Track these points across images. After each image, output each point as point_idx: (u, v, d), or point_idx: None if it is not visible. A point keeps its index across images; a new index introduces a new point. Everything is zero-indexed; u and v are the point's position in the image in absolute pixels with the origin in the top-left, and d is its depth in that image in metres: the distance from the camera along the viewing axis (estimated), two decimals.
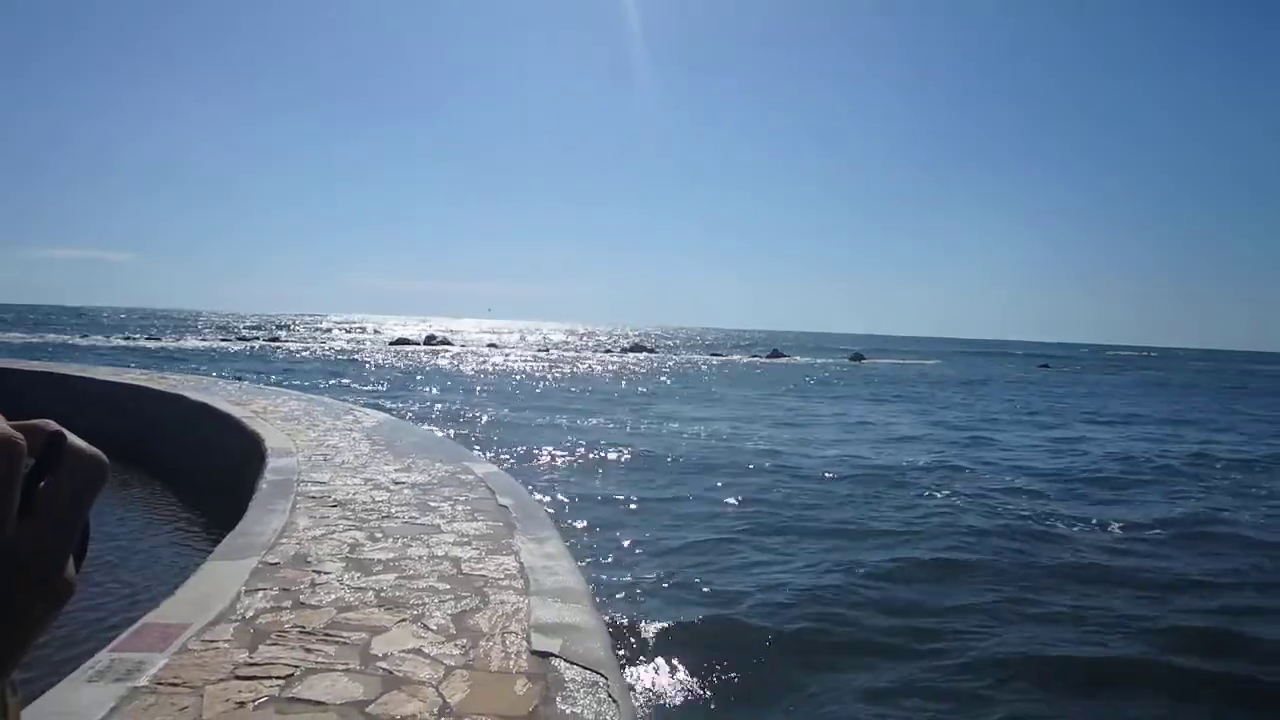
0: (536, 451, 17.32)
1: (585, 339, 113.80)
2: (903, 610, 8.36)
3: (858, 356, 79.20)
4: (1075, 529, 12.05)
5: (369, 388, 32.11)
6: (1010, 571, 9.72)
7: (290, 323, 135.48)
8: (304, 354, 55.06)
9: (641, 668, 6.68)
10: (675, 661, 6.90)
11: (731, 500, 13.17)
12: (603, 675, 4.03)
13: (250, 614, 4.58)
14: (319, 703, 3.59)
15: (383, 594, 5.03)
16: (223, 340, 68.19)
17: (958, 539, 11.04)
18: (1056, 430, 25.26)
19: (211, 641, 4.19)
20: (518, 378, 41.76)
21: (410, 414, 21.89)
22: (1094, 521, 12.43)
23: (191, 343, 62.72)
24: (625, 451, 17.72)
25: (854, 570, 9.48)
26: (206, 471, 12.09)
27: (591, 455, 17.09)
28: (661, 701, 6.24)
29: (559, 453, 17.27)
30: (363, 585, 5.18)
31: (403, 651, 4.19)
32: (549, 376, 43.10)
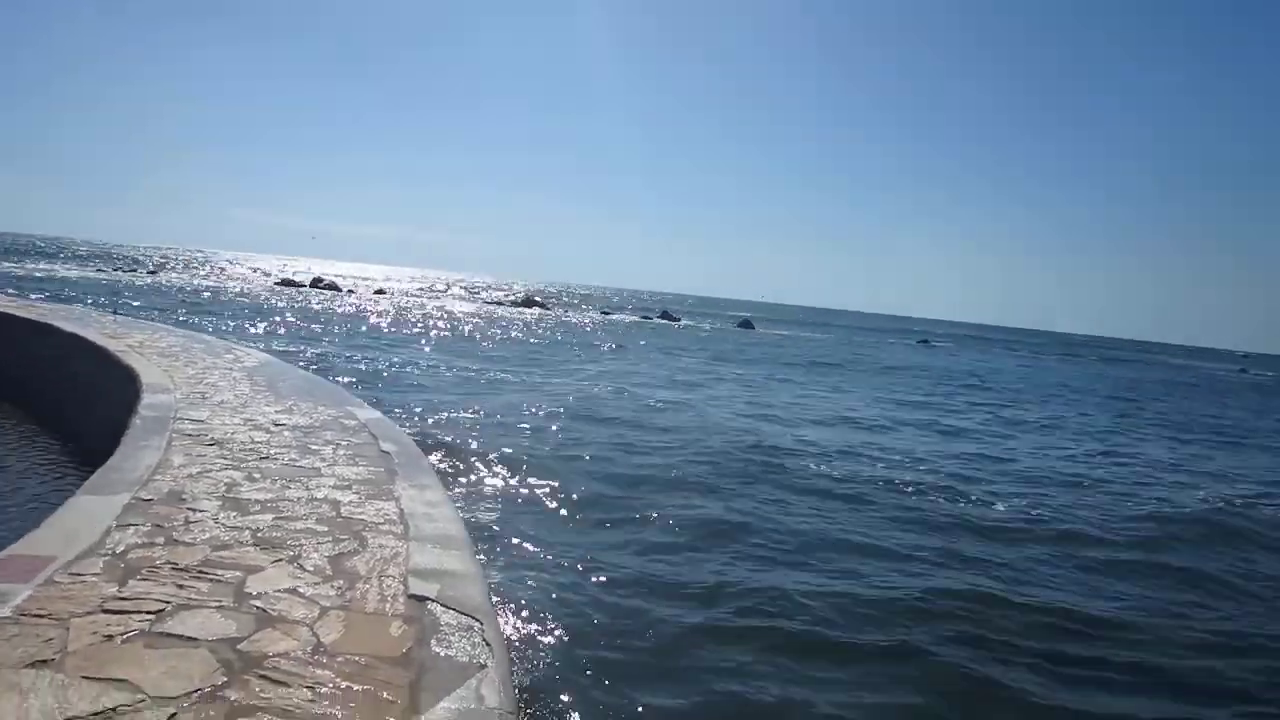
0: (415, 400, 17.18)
1: (474, 290, 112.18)
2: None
3: (746, 324, 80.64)
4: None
5: (253, 329, 30.99)
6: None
7: (171, 257, 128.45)
8: (187, 290, 52.57)
9: (521, 615, 6.84)
10: (553, 609, 7.10)
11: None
12: (478, 620, 4.17)
13: (121, 549, 4.52)
14: (190, 638, 3.61)
15: (259, 534, 5.03)
16: (98, 271, 64.19)
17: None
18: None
19: (79, 575, 4.13)
20: (414, 325, 41.05)
21: (301, 358, 21.33)
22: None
23: (64, 271, 58.83)
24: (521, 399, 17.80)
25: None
26: (79, 405, 11.57)
27: (487, 401, 17.08)
28: (538, 647, 6.43)
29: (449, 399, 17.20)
30: (239, 525, 5.16)
31: (278, 591, 4.23)
32: (440, 325, 42.50)
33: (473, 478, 11.10)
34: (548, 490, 10.78)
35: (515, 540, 8.63)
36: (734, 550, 9.21)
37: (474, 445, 12.80)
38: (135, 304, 33.27)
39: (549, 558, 8.27)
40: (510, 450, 12.66)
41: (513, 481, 11.07)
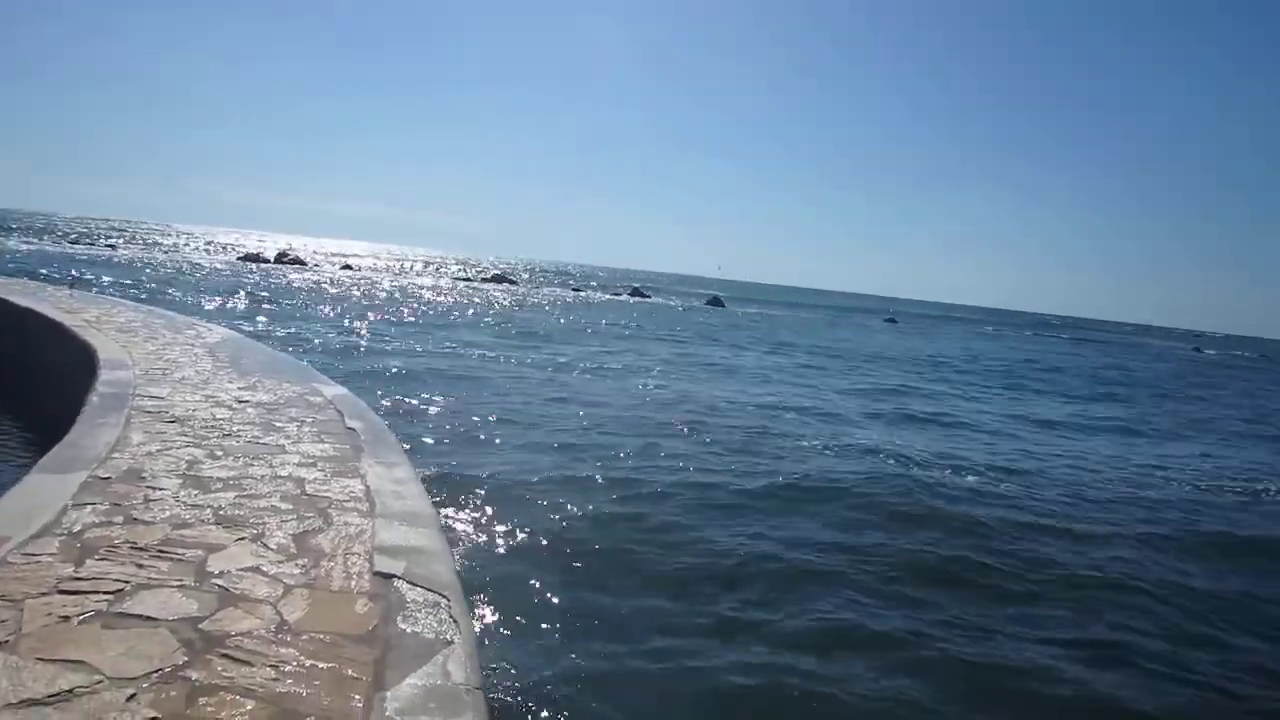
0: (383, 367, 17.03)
1: (441, 268, 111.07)
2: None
3: (715, 301, 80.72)
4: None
5: (211, 304, 30.47)
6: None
7: (125, 230, 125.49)
8: (146, 263, 51.52)
9: (489, 591, 6.82)
10: (523, 583, 7.09)
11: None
12: (445, 597, 4.14)
13: (77, 528, 4.42)
14: (150, 618, 3.54)
15: (221, 512, 4.94)
16: (54, 245, 62.64)
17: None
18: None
19: (34, 555, 4.03)
20: (377, 298, 40.62)
21: (262, 333, 21.02)
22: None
23: (12, 244, 57.29)
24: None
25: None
26: (34, 381, 11.32)
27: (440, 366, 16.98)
28: (506, 623, 6.42)
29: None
30: (200, 503, 5.07)
31: (240, 569, 4.16)
32: (412, 298, 42.10)
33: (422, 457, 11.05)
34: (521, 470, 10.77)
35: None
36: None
37: (433, 425, 12.74)
38: (90, 278, 32.60)
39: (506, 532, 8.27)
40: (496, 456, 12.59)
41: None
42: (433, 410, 14.07)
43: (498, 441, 12.20)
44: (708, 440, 13.74)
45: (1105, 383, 35.57)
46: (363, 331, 25.99)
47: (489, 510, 8.82)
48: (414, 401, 14.55)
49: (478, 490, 9.41)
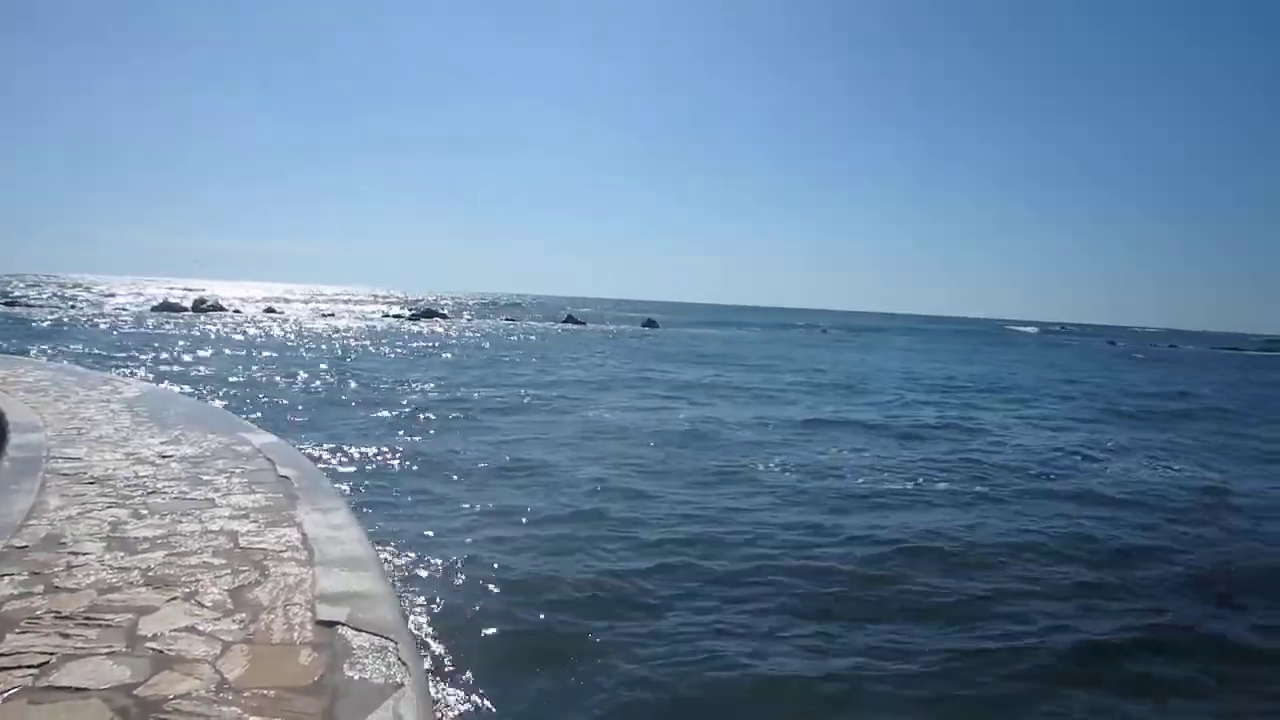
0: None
1: (375, 300, 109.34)
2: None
3: (650, 323, 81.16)
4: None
5: (123, 356, 29.38)
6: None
7: (33, 282, 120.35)
8: (52, 319, 49.42)
9: (437, 628, 6.68)
10: (471, 621, 6.96)
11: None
12: (392, 640, 4.05)
13: None
14: (80, 689, 3.38)
15: (150, 572, 4.76)
16: None
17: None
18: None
19: None
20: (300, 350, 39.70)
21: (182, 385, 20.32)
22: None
23: None
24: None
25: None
26: None
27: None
28: (457, 662, 6.29)
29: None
30: (127, 565, 4.87)
31: (174, 630, 4.01)
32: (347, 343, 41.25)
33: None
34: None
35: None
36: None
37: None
38: None
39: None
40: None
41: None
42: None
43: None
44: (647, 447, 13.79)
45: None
46: (288, 374, 25.31)
47: (431, 549, 8.66)
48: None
49: (414, 528, 9.24)
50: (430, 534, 9.14)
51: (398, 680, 3.64)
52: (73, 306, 65.09)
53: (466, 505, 10.43)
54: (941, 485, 13.03)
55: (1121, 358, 64.28)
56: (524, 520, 9.92)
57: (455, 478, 11.95)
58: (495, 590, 7.64)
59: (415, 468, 12.37)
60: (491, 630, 6.86)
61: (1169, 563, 9.59)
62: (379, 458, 12.86)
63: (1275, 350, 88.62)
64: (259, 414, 15.02)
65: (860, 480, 13.09)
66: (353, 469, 12.05)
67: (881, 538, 9.86)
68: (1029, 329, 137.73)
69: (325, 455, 12.48)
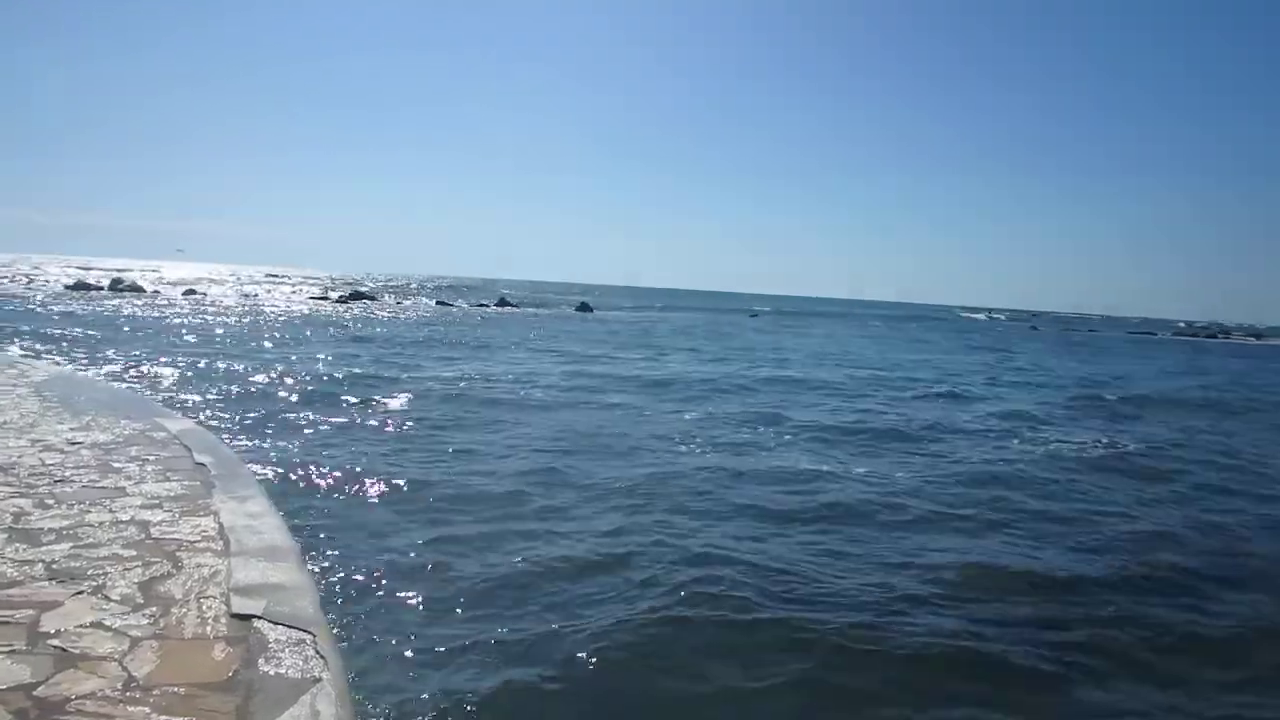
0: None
1: (299, 285, 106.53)
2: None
3: (585, 307, 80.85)
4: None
5: (28, 341, 28.09)
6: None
7: None
8: None
9: (359, 619, 6.56)
10: (396, 610, 6.86)
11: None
12: (310, 633, 3.99)
13: None
14: None
15: (55, 565, 4.59)
16: None
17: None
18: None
19: None
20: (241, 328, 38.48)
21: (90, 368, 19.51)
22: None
23: None
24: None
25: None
26: None
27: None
28: (380, 653, 6.19)
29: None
30: (29, 558, 4.68)
31: (79, 627, 3.87)
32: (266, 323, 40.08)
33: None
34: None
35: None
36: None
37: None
38: None
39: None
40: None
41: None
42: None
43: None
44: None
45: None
46: (179, 357, 24.53)
47: (353, 535, 8.50)
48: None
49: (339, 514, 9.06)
50: (356, 518, 8.97)
51: (315, 674, 3.58)
52: None
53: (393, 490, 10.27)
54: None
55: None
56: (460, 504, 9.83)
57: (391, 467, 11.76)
58: (425, 577, 7.54)
59: (344, 455, 12.13)
60: (417, 618, 6.78)
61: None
62: (300, 447, 12.58)
63: (1182, 337, 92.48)
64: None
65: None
66: (275, 456, 11.77)
67: None
68: (979, 315, 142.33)
69: (243, 442, 12.17)
